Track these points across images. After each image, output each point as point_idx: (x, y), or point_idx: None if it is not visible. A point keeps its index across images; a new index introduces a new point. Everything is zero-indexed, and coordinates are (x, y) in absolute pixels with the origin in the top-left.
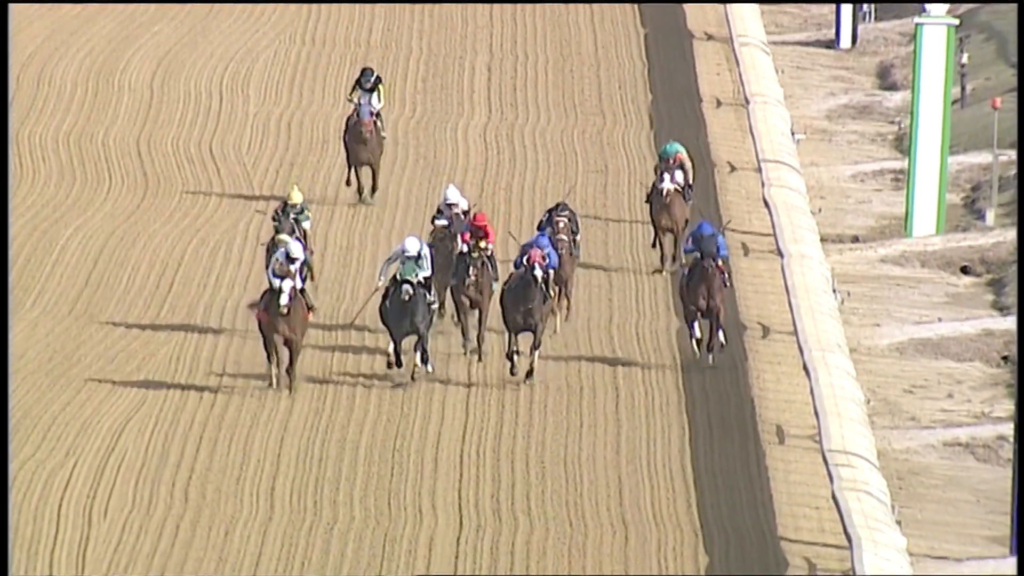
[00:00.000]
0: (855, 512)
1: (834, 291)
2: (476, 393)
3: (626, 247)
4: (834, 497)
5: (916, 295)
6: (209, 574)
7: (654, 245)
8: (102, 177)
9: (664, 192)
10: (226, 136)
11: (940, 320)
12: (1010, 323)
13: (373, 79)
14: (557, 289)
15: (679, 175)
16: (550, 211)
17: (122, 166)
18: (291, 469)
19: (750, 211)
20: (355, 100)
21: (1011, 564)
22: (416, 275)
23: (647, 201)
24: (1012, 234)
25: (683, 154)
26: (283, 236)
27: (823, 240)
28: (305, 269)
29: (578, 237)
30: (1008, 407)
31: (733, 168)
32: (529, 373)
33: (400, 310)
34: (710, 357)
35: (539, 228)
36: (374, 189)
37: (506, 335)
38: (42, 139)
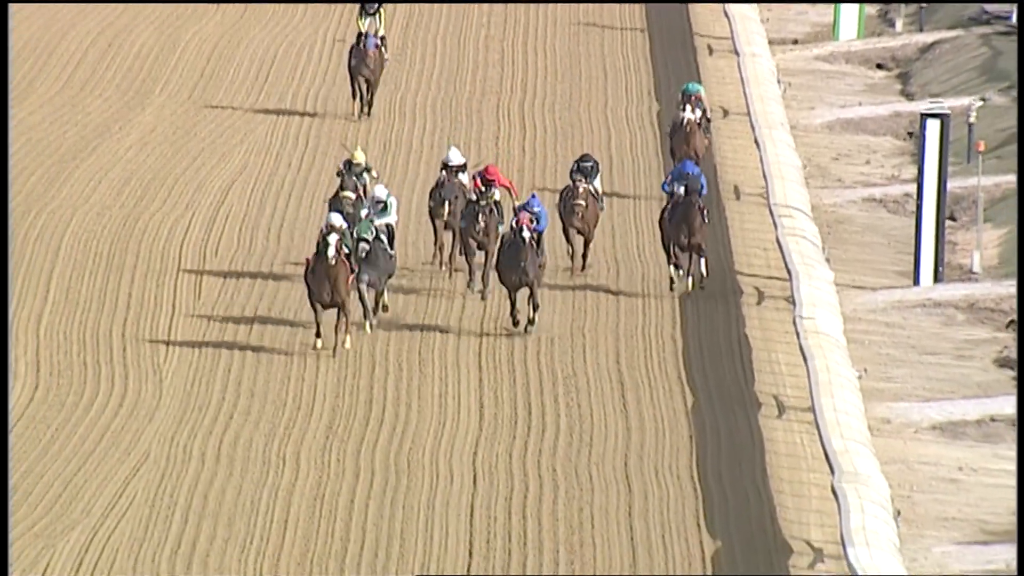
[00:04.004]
0: (794, 252)
1: (778, 82)
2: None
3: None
4: (778, 240)
5: (842, 85)
6: (297, 298)
7: None
8: None
9: (685, 122)
10: None
11: (860, 104)
12: (915, 107)
13: (377, 4)
14: (583, 241)
15: (699, 111)
16: (577, 161)
17: None
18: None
19: (714, 21)
20: (362, 27)
21: (915, 292)
22: (372, 231)
23: (670, 134)
24: (916, 38)
25: (702, 93)
26: (347, 193)
27: (770, 43)
28: (343, 239)
29: (598, 186)
30: (912, 172)
31: None
32: (530, 322)
33: (361, 265)
34: (689, 282)
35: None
36: (370, 103)
37: (506, 293)
38: None
